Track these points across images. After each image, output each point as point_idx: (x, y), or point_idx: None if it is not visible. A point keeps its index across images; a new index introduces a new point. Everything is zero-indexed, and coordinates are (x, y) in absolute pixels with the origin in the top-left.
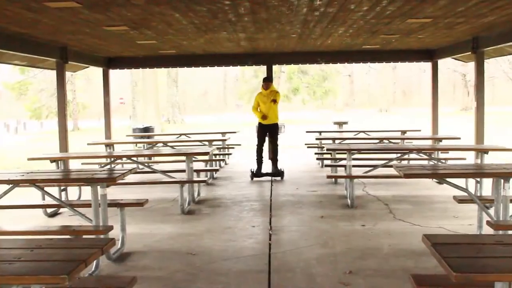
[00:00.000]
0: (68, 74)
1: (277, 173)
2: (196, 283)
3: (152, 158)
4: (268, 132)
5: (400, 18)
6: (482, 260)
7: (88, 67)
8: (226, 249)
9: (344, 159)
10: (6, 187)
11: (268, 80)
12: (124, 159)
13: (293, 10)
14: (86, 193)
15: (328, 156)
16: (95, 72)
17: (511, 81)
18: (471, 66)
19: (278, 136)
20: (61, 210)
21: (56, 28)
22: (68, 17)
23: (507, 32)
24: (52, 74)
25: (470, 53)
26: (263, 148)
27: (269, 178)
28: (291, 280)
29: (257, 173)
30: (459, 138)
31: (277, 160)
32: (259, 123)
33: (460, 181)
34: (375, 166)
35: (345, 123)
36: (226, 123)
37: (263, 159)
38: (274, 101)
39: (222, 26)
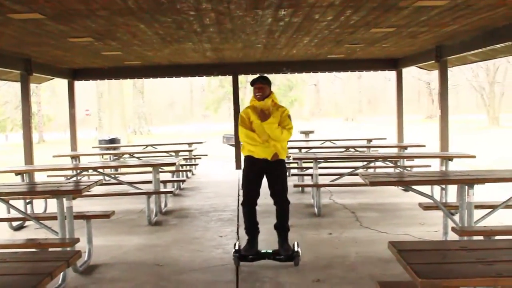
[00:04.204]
0: (33, 86)
1: (288, 255)
2: None
3: (119, 169)
4: (266, 174)
5: (364, 27)
6: (447, 266)
7: (53, 78)
8: (194, 260)
9: (311, 168)
10: None
11: (263, 81)
12: (90, 170)
13: (258, 20)
14: (52, 205)
15: (295, 165)
16: (61, 83)
17: (475, 89)
18: (435, 74)
19: (287, 181)
20: (27, 223)
21: (20, 39)
22: (32, 28)
23: (469, 41)
24: (17, 86)
25: (433, 61)
26: (256, 203)
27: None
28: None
29: (246, 253)
30: (424, 146)
31: (287, 229)
32: (248, 158)
33: (426, 188)
34: (341, 175)
35: (311, 132)
36: (193, 133)
37: (258, 226)
38: (289, 117)
39: (187, 36)
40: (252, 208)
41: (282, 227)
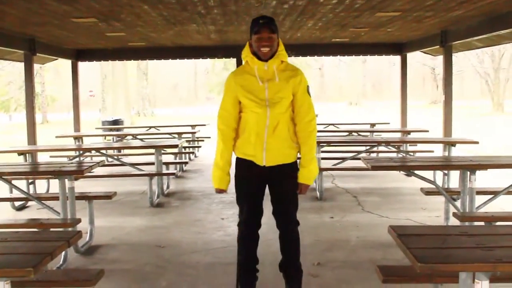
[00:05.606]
0: (37, 66)
1: None
2: (165, 276)
3: (121, 151)
4: (269, 183)
5: (369, 11)
6: (447, 251)
7: (56, 59)
8: (195, 242)
9: None
10: None
11: (273, 27)
12: (93, 151)
13: (262, 3)
14: (55, 186)
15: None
16: (65, 64)
17: (480, 76)
18: (440, 59)
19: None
20: (29, 203)
21: (24, 19)
22: (35, 8)
23: (474, 26)
24: (21, 66)
25: (438, 46)
26: (260, 225)
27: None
28: (260, 272)
29: None
30: (427, 131)
31: (299, 269)
32: (242, 161)
33: (428, 174)
34: (344, 159)
35: (315, 115)
36: (197, 115)
37: (257, 266)
38: (308, 91)
39: (191, 18)
40: (254, 232)
41: (292, 267)
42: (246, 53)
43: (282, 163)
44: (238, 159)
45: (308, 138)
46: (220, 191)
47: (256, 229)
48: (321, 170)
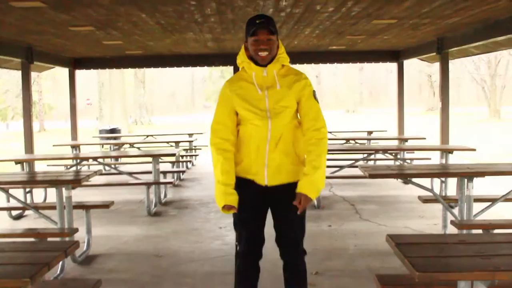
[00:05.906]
0: (34, 74)
1: None
2: (163, 285)
3: (119, 159)
4: (272, 206)
5: (365, 19)
6: (445, 260)
7: (54, 67)
8: (193, 251)
9: None
10: None
11: (273, 29)
12: (90, 160)
13: (259, 11)
14: (52, 195)
15: None
16: (62, 73)
17: (476, 82)
18: (436, 66)
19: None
20: (27, 212)
21: (21, 28)
22: (33, 17)
23: (471, 33)
24: (18, 74)
25: (435, 54)
26: (261, 255)
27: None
28: (258, 282)
29: None
30: (424, 138)
31: None
32: (240, 180)
33: (426, 181)
34: (341, 167)
35: None
36: (194, 123)
37: None
38: (315, 96)
39: (188, 26)
40: (253, 264)
41: None
42: (242, 58)
43: (287, 182)
44: (236, 178)
45: (317, 146)
46: (229, 208)
47: (257, 261)
48: None
